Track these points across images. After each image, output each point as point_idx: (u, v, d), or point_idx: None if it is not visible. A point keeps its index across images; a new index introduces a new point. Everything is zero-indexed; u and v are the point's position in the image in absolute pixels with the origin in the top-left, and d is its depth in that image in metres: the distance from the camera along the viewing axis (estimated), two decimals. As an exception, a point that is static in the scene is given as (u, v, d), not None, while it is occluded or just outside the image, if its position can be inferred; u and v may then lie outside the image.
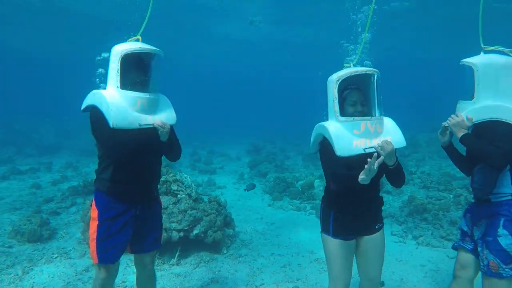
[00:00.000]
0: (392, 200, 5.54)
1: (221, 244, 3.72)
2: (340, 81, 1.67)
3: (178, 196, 3.72)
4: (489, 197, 1.78)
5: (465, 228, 1.97)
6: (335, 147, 1.58)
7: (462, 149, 1.91)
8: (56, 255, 3.52)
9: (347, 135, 1.61)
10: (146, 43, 1.84)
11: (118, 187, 1.82)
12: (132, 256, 2.22)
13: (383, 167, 1.62)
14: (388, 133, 1.68)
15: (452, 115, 1.82)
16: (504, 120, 1.66)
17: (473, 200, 1.95)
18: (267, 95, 40.73)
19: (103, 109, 1.69)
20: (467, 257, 1.93)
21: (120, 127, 1.68)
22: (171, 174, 3.89)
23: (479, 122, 1.76)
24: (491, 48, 1.79)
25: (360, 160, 1.54)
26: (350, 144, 1.59)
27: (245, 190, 5.72)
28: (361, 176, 1.46)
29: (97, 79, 1.93)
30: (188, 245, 3.56)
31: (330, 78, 1.75)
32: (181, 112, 1.98)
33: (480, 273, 1.84)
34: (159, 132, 1.81)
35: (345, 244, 1.77)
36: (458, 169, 2.06)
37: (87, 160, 9.18)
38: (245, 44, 18.35)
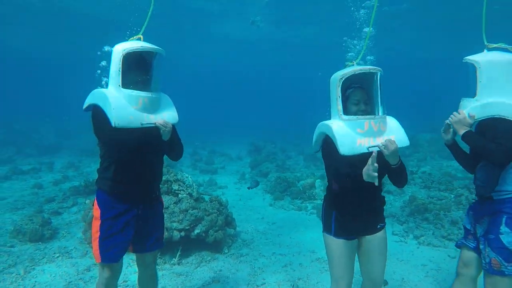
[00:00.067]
0: (393, 200, 5.54)
1: (222, 244, 3.73)
2: (343, 79, 1.66)
3: (179, 195, 3.73)
4: (491, 195, 1.77)
5: (468, 226, 1.96)
6: (338, 146, 1.57)
7: (465, 147, 1.91)
8: (57, 255, 3.53)
9: (350, 134, 1.60)
10: (147, 42, 1.84)
11: (120, 186, 1.82)
12: (133, 256, 2.23)
13: (386, 166, 1.62)
14: (392, 132, 1.68)
15: (454, 113, 1.82)
16: (506, 117, 1.66)
17: (475, 198, 1.94)
18: (267, 95, 40.72)
19: (105, 108, 1.69)
20: (470, 255, 1.92)
21: (122, 126, 1.68)
22: (172, 174, 3.89)
23: (482, 120, 1.75)
24: (495, 45, 1.79)
25: (363, 159, 1.53)
26: (353, 142, 1.58)
27: (248, 188, 5.72)
28: (369, 173, 1.44)
29: (99, 71, 1.93)
30: (189, 245, 3.56)
31: (333, 76, 1.74)
32: (181, 112, 1.97)
33: (483, 271, 1.84)
34: (161, 131, 1.81)
35: (347, 244, 1.77)
36: (459, 169, 2.06)
37: (88, 160, 9.19)
38: (245, 44, 18.36)
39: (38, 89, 33.94)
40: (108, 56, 1.81)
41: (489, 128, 1.72)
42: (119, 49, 1.75)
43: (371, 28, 1.77)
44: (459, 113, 1.80)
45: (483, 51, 1.82)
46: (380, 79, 1.69)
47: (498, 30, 1.79)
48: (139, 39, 1.85)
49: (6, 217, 4.70)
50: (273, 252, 3.77)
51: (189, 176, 4.03)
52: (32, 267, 3.25)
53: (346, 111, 1.69)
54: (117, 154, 1.78)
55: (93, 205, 1.89)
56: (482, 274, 1.88)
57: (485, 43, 1.81)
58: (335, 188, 1.77)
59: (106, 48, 1.91)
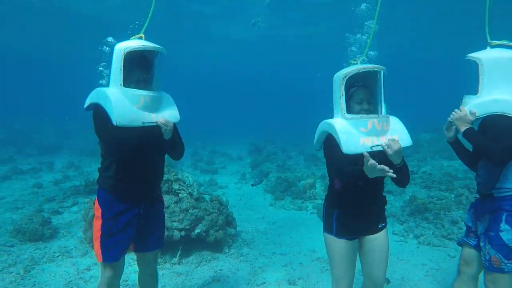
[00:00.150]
0: (393, 200, 5.54)
1: (223, 243, 3.72)
2: (347, 77, 1.65)
3: (180, 195, 3.73)
4: (492, 192, 1.77)
5: (470, 224, 1.97)
6: (341, 145, 1.56)
7: (468, 145, 1.91)
8: (57, 254, 3.53)
9: (354, 133, 1.59)
10: (149, 41, 1.84)
11: (121, 185, 1.82)
12: (133, 255, 2.23)
13: (389, 166, 1.61)
14: (395, 132, 1.67)
15: (456, 110, 1.82)
16: (507, 114, 1.65)
17: (477, 196, 1.94)
18: (268, 95, 40.74)
19: (106, 107, 1.69)
20: (471, 253, 1.93)
21: (123, 125, 1.67)
22: (172, 173, 3.89)
23: (485, 117, 1.75)
24: (498, 42, 1.79)
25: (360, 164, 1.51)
26: (357, 141, 1.58)
27: (252, 185, 5.73)
28: (371, 168, 1.41)
29: (101, 68, 1.92)
30: (189, 244, 3.56)
31: (336, 75, 1.73)
32: (182, 112, 1.97)
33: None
34: (162, 130, 1.81)
35: (349, 244, 1.76)
36: (459, 169, 2.07)
37: (89, 159, 9.19)
38: (245, 44, 18.37)
39: (38, 89, 33.96)
40: (111, 49, 1.80)
41: (490, 126, 1.72)
42: (121, 48, 1.74)
43: (375, 25, 1.75)
44: (460, 110, 1.79)
45: (486, 48, 1.81)
46: (383, 78, 1.68)
47: (501, 27, 1.79)
48: (140, 38, 1.85)
49: (6, 216, 4.69)
50: (274, 252, 3.77)
51: (190, 176, 4.03)
52: (32, 266, 3.24)
53: (349, 110, 1.69)
54: (118, 153, 1.78)
55: (94, 204, 1.89)
56: (483, 272, 1.88)
57: (488, 40, 1.80)
58: (337, 187, 1.77)
59: (110, 39, 1.90)
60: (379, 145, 1.58)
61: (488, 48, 1.80)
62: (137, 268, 2.19)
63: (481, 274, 1.92)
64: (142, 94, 1.76)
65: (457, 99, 1.91)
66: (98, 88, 1.81)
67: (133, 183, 1.83)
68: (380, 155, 1.59)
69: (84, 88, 1.95)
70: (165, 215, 2.27)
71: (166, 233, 3.23)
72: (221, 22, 15.03)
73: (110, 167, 1.81)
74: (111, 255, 1.79)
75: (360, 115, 1.65)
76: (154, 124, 1.78)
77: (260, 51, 19.97)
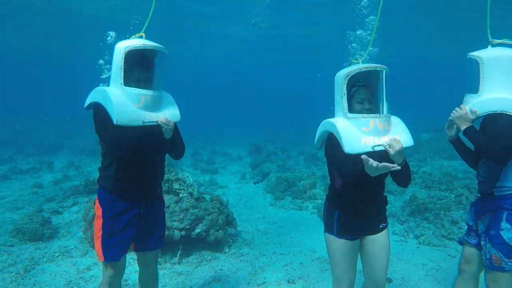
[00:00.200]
0: (393, 200, 5.54)
1: (223, 243, 3.72)
2: (349, 77, 1.64)
3: (180, 195, 3.73)
4: (492, 191, 1.77)
5: (471, 223, 1.97)
6: (343, 144, 1.56)
7: (469, 143, 1.90)
8: (57, 254, 3.52)
9: (355, 132, 1.59)
10: (150, 40, 1.84)
11: (122, 185, 1.81)
12: (134, 255, 2.22)
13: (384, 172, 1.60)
14: (396, 132, 1.66)
15: (456, 108, 1.82)
16: (507, 113, 1.65)
17: (477, 195, 1.94)
18: (268, 95, 40.75)
19: (107, 106, 1.68)
20: (472, 252, 1.93)
21: (123, 124, 1.67)
22: (173, 173, 3.89)
23: (486, 116, 1.75)
24: (499, 41, 1.79)
25: (368, 155, 1.50)
26: (358, 141, 1.57)
27: (254, 183, 5.73)
28: (372, 167, 1.40)
29: (101, 61, 1.92)
30: (189, 244, 3.56)
31: (338, 74, 1.72)
32: (182, 112, 1.96)
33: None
34: (163, 129, 1.80)
35: (350, 244, 1.75)
36: (459, 169, 2.07)
37: (89, 159, 9.19)
38: (245, 44, 18.37)
39: (38, 89, 33.94)
40: (112, 43, 1.80)
41: (491, 124, 1.72)
42: (121, 47, 1.74)
43: (377, 22, 1.74)
44: (461, 109, 1.80)
45: (487, 47, 1.81)
46: (385, 77, 1.67)
47: (502, 27, 1.79)
48: (141, 37, 1.85)
49: (6, 216, 4.69)
50: (274, 252, 3.77)
51: (190, 176, 4.03)
52: (32, 266, 3.24)
53: (350, 109, 1.68)
54: (118, 152, 1.78)
55: (94, 204, 1.88)
56: (484, 271, 1.88)
57: (490, 39, 1.80)
58: (338, 187, 1.76)
59: (112, 34, 1.90)
60: (380, 145, 1.58)
61: (489, 47, 1.81)
62: (137, 268, 2.18)
63: (482, 273, 1.92)
64: (143, 93, 1.76)
65: (457, 99, 1.91)
66: (98, 87, 1.81)
67: (134, 182, 1.83)
68: (381, 155, 1.58)
69: (84, 88, 1.95)
70: (166, 214, 2.28)
71: (166, 232, 3.23)
72: (221, 22, 15.03)
73: (110, 167, 1.81)
74: (112, 255, 1.79)
75: (362, 114, 1.64)
76: (155, 123, 1.78)
77: (260, 51, 19.97)
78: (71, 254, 3.56)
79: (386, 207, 1.87)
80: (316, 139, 1.86)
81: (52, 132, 13.83)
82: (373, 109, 1.72)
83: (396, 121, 1.73)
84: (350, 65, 1.76)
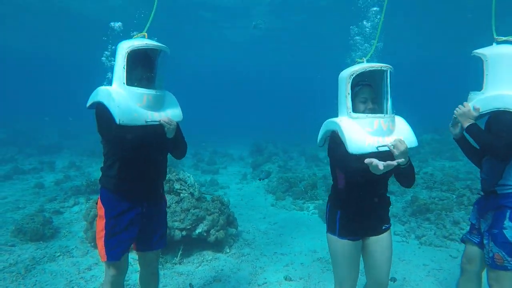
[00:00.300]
0: (395, 201, 5.52)
1: (224, 243, 3.72)
2: (354, 76, 1.63)
3: (181, 195, 3.73)
4: (495, 189, 1.77)
5: (474, 221, 1.97)
6: (347, 144, 1.55)
7: (473, 141, 1.89)
8: (58, 254, 3.53)
9: (360, 133, 1.57)
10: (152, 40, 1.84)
11: (124, 184, 1.81)
12: (134, 255, 2.22)
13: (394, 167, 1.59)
14: (400, 132, 1.65)
15: (459, 105, 1.81)
16: (510, 110, 1.65)
17: (481, 193, 1.94)
18: (269, 95, 40.77)
19: (109, 106, 1.68)
20: (474, 250, 1.93)
21: (126, 124, 1.67)
22: (174, 173, 3.90)
23: (491, 114, 1.75)
24: (504, 38, 1.78)
25: (371, 157, 1.49)
26: (363, 141, 1.56)
27: (260, 179, 5.73)
28: (377, 167, 1.39)
29: (103, 58, 1.92)
30: (190, 244, 3.56)
31: (342, 73, 1.71)
32: (183, 113, 1.96)
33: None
34: (166, 129, 1.80)
35: (352, 244, 1.73)
36: (461, 170, 2.06)
37: (90, 160, 9.20)
38: (246, 45, 18.39)
39: (39, 89, 34.05)
40: (113, 39, 1.80)
41: (495, 122, 1.72)
42: (124, 46, 1.74)
43: (383, 16, 1.73)
44: (464, 106, 1.79)
45: (492, 44, 1.81)
46: (390, 77, 1.66)
47: (503, 25, 1.78)
48: (143, 36, 1.85)
49: (7, 216, 4.70)
50: (275, 252, 3.76)
51: (191, 176, 4.03)
52: (33, 266, 3.24)
53: (353, 109, 1.67)
54: (121, 152, 1.78)
55: (96, 203, 1.89)
56: (486, 269, 1.88)
57: (495, 36, 1.80)
58: (341, 187, 1.75)
59: (116, 24, 1.89)
60: (385, 146, 1.56)
61: (494, 44, 1.80)
62: (138, 268, 2.18)
63: (485, 271, 1.92)
64: (145, 92, 1.76)
65: (459, 99, 1.90)
66: (100, 87, 1.81)
67: (136, 182, 1.83)
68: (384, 155, 1.56)
69: (86, 88, 1.95)
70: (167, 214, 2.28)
71: (167, 232, 3.23)
72: (221, 23, 15.07)
73: (113, 166, 1.81)
74: (115, 254, 1.79)
75: (366, 114, 1.63)
76: (157, 123, 1.78)
77: (260, 52, 20.00)
78: (72, 254, 3.56)
79: (389, 208, 1.85)
80: (319, 139, 1.84)
81: (54, 132, 13.87)
82: (376, 108, 1.71)
83: (400, 121, 1.72)
84: (354, 63, 1.75)
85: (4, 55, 21.16)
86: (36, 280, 2.99)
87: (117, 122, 1.65)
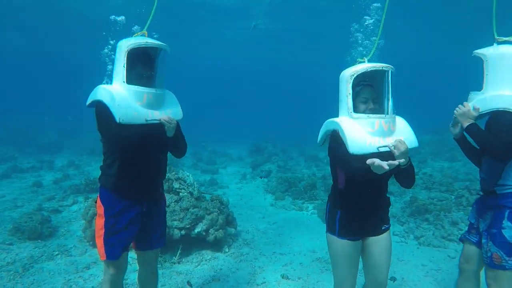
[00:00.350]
0: (394, 201, 5.53)
1: (223, 243, 3.72)
2: (355, 76, 1.63)
3: (180, 194, 3.72)
4: (494, 189, 1.78)
5: (473, 220, 1.98)
6: (348, 145, 1.54)
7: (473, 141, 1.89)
8: (56, 253, 3.52)
9: (360, 133, 1.57)
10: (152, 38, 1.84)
11: (124, 183, 1.80)
12: (133, 254, 2.21)
13: (394, 167, 1.58)
14: (401, 133, 1.65)
15: (459, 105, 1.82)
16: (510, 110, 1.66)
17: (480, 193, 1.94)
18: (268, 95, 40.80)
19: (109, 104, 1.67)
20: (472, 250, 1.94)
21: (126, 122, 1.67)
22: (173, 172, 3.89)
23: (491, 114, 1.75)
24: (504, 39, 1.78)
25: (372, 158, 1.48)
26: (363, 142, 1.56)
27: (261, 177, 5.72)
28: (380, 166, 1.37)
29: (106, 50, 1.91)
30: (189, 244, 3.55)
31: (343, 73, 1.70)
32: (183, 113, 1.95)
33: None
34: (166, 127, 1.80)
35: (351, 244, 1.73)
36: (460, 171, 2.07)
37: (89, 159, 9.18)
38: (246, 45, 18.39)
39: (39, 88, 33.98)
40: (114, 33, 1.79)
41: (495, 122, 1.73)
42: (124, 45, 1.74)
43: (385, 13, 1.72)
44: (464, 106, 1.79)
45: (493, 45, 1.81)
46: (391, 77, 1.65)
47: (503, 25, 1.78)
48: (143, 35, 1.84)
49: (5, 214, 4.68)
50: (274, 252, 3.76)
51: (190, 175, 4.02)
52: (31, 265, 3.23)
53: (354, 109, 1.66)
54: (121, 150, 1.77)
55: (95, 202, 1.88)
56: (484, 268, 1.88)
57: (495, 36, 1.80)
58: (341, 187, 1.75)
59: (118, 18, 1.89)
60: (385, 146, 1.56)
61: (495, 44, 1.80)
62: (136, 267, 2.18)
63: (483, 270, 1.92)
64: (145, 91, 1.75)
65: (458, 100, 1.90)
66: (100, 85, 1.80)
67: (136, 181, 1.82)
68: (385, 155, 1.56)
69: (86, 87, 1.94)
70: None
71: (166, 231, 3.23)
72: (221, 23, 15.06)
73: (112, 165, 1.80)
74: (114, 253, 1.78)
75: (367, 115, 1.62)
76: (157, 121, 1.77)
77: (260, 52, 20.00)
78: (70, 253, 3.55)
79: (389, 209, 1.85)
80: (319, 138, 1.84)
81: (53, 132, 13.83)
82: (377, 108, 1.70)
83: (400, 121, 1.72)
84: (355, 62, 1.74)
85: (4, 54, 21.10)
86: (34, 279, 2.98)
87: (117, 120, 1.64)
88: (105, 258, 1.78)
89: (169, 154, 2.02)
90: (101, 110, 1.72)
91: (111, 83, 1.81)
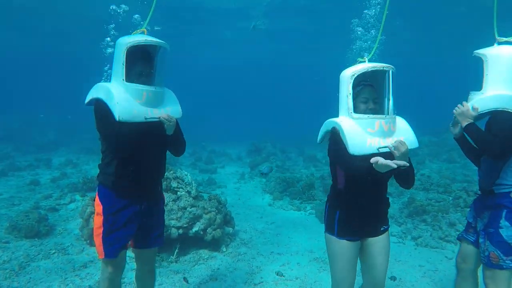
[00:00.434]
0: (392, 202, 5.47)
1: (221, 242, 3.71)
2: (355, 76, 1.62)
3: (178, 193, 3.71)
4: (492, 188, 1.78)
5: (471, 220, 1.99)
6: (348, 145, 1.54)
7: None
8: (53, 251, 3.50)
9: (360, 133, 1.57)
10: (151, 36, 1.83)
11: (123, 182, 1.79)
12: (130, 253, 2.20)
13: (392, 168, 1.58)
14: (401, 133, 1.65)
15: (459, 105, 1.82)
16: (508, 110, 1.66)
17: (479, 192, 1.95)
18: (267, 95, 40.83)
19: (109, 102, 1.67)
20: (469, 249, 1.94)
21: (126, 120, 1.65)
22: (171, 171, 3.88)
23: (491, 114, 1.76)
24: (505, 39, 1.79)
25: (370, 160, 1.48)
26: (364, 142, 1.55)
27: (262, 173, 5.69)
28: (385, 164, 1.37)
29: (107, 40, 1.89)
30: (187, 243, 3.54)
31: (343, 73, 1.70)
32: (183, 112, 1.95)
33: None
34: (165, 125, 1.79)
35: (350, 245, 1.72)
36: (457, 172, 2.08)
37: (87, 157, 9.15)
38: (246, 45, 18.39)
39: (38, 87, 33.84)
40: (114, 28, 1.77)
41: (494, 122, 1.74)
42: (123, 43, 1.73)
43: (386, 12, 1.72)
44: (463, 105, 1.80)
45: (493, 45, 1.82)
46: (392, 77, 1.64)
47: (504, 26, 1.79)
48: (142, 32, 1.83)
49: (1, 213, 4.65)
50: (271, 251, 3.76)
51: (188, 174, 4.01)
52: (27, 263, 3.21)
53: (354, 109, 1.65)
54: (120, 148, 1.76)
55: (93, 201, 1.87)
56: (482, 267, 1.89)
57: (496, 36, 1.81)
58: (340, 187, 1.74)
59: (116, 8, 1.88)
60: (386, 147, 1.56)
61: (496, 44, 1.81)
62: (134, 266, 2.17)
63: (480, 268, 1.93)
64: (145, 89, 1.74)
65: (456, 101, 1.91)
66: (99, 83, 1.80)
67: (135, 179, 1.81)
68: (385, 156, 1.55)
69: (85, 86, 1.93)
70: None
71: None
72: (221, 23, 15.06)
73: (111, 164, 1.79)
74: (113, 251, 1.78)
75: (368, 115, 1.62)
76: (157, 119, 1.77)
77: (259, 52, 20.01)
78: (67, 251, 3.53)
79: (388, 209, 1.84)
80: (319, 138, 1.83)
81: (50, 130, 13.77)
82: (378, 109, 1.70)
83: (401, 122, 1.72)
84: (355, 62, 1.73)
85: (4, 54, 20.99)
86: (30, 277, 2.96)
87: (117, 119, 1.63)
88: (103, 257, 1.77)
89: (167, 153, 2.02)
90: (100, 108, 1.71)
91: (109, 80, 1.80)
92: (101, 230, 1.77)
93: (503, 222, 1.72)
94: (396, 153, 1.53)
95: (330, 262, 1.81)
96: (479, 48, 1.85)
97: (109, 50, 1.88)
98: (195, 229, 3.49)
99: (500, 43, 1.80)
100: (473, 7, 10.83)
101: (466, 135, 1.82)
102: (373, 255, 1.77)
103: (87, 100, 1.81)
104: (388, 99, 1.67)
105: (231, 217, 4.18)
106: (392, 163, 1.37)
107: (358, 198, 1.69)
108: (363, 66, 1.64)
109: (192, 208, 3.56)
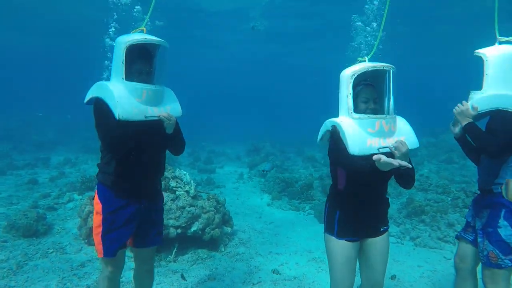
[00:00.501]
0: (390, 202, 5.49)
1: (219, 242, 3.71)
2: (355, 76, 1.61)
3: (177, 192, 3.71)
4: (491, 188, 1.79)
5: (469, 219, 1.99)
6: (348, 145, 1.53)
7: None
8: (51, 250, 3.49)
9: (361, 133, 1.56)
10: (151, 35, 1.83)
11: (122, 181, 1.79)
12: (129, 252, 2.21)
13: (395, 168, 1.57)
14: (401, 133, 1.64)
15: (458, 104, 1.83)
16: (508, 109, 1.67)
17: (478, 192, 1.96)
18: (266, 96, 40.84)
19: (108, 101, 1.66)
20: (467, 248, 1.95)
21: (126, 119, 1.65)
22: (170, 171, 3.87)
23: (491, 114, 1.76)
24: (506, 39, 1.80)
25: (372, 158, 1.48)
26: (364, 142, 1.54)
27: (263, 171, 5.68)
28: (388, 162, 1.36)
29: (108, 38, 1.88)
30: (185, 242, 3.54)
31: (343, 72, 1.69)
32: (183, 112, 1.94)
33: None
34: (165, 124, 1.79)
35: (350, 245, 1.71)
36: (456, 173, 2.08)
37: (86, 156, 9.12)
38: (246, 45, 18.40)
39: (38, 86, 33.75)
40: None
41: (494, 122, 1.75)
42: (122, 41, 1.72)
43: (386, 11, 1.72)
44: (462, 105, 1.81)
45: (494, 44, 1.82)
46: (392, 77, 1.64)
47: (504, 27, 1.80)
48: (142, 31, 1.83)
49: (0, 211, 4.64)
50: (270, 251, 3.76)
51: (187, 174, 4.01)
52: (25, 262, 3.20)
53: (354, 108, 1.65)
54: (120, 147, 1.75)
55: (92, 200, 1.87)
56: (480, 266, 1.90)
57: (497, 36, 1.81)
58: (340, 187, 1.73)
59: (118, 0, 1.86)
60: (386, 147, 1.55)
61: (496, 44, 1.82)
62: (132, 265, 2.16)
63: (479, 269, 1.94)
64: (145, 87, 1.74)
65: (456, 102, 1.91)
66: (99, 82, 1.79)
67: (134, 178, 1.81)
68: (386, 155, 1.56)
69: (85, 85, 1.92)
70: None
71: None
72: (220, 24, 15.05)
73: (110, 163, 1.79)
74: (112, 250, 1.77)
75: (368, 115, 1.61)
76: (157, 118, 1.76)
77: (259, 52, 20.01)
78: (65, 250, 3.52)
79: (388, 210, 1.84)
80: (319, 138, 1.83)
81: (50, 129, 13.73)
82: (378, 109, 1.69)
83: (401, 122, 1.71)
84: (356, 62, 1.73)
85: (4, 54, 20.92)
86: (28, 277, 2.95)
87: (117, 117, 1.63)
88: (102, 256, 1.77)
89: (167, 152, 2.01)
90: (100, 107, 1.71)
91: (109, 78, 1.80)
92: (100, 229, 1.77)
93: (502, 222, 1.72)
94: (397, 154, 1.52)
95: (329, 262, 1.80)
96: (479, 47, 1.85)
97: (109, 42, 1.86)
98: (193, 228, 3.49)
99: (501, 43, 1.81)
100: (469, 8, 10.86)
101: (465, 133, 1.82)
102: (372, 256, 1.77)
103: (86, 99, 1.81)
104: (389, 99, 1.66)
105: (230, 216, 4.17)
106: (395, 161, 1.37)
107: (358, 198, 1.69)
108: (363, 65, 1.63)
109: (191, 208, 3.55)
